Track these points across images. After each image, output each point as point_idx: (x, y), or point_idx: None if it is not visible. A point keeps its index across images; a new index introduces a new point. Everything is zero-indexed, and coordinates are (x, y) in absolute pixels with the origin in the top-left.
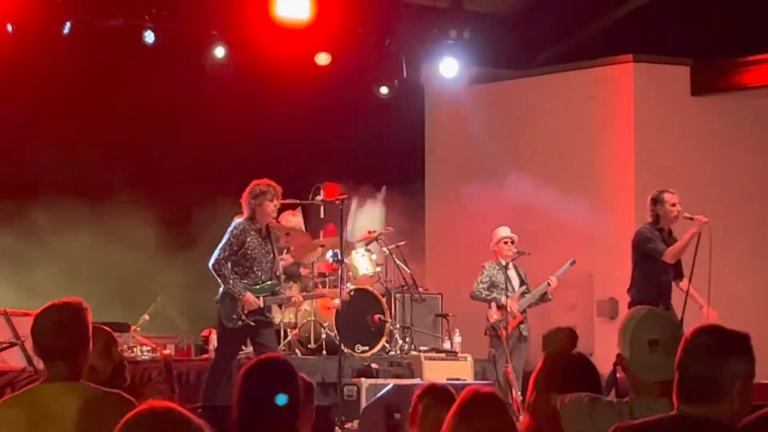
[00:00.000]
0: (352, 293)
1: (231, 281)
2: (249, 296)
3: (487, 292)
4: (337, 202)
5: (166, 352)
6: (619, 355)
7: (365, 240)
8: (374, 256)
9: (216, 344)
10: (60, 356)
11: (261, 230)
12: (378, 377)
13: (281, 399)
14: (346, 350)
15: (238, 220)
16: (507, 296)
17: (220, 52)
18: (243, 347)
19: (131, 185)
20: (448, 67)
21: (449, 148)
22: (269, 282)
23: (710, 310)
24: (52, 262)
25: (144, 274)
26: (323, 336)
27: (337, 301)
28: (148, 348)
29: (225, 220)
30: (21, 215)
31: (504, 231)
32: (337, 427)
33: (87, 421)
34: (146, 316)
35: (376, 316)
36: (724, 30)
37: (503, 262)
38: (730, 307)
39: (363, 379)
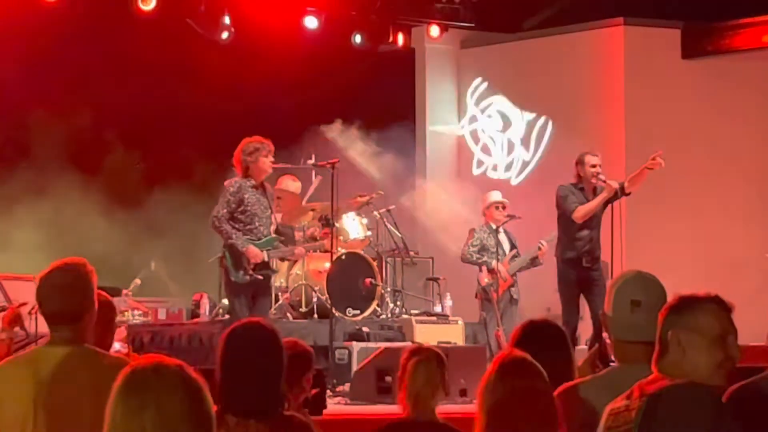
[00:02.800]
0: (343, 257)
1: (233, 236)
2: (252, 248)
3: (477, 255)
4: (328, 166)
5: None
6: (603, 314)
7: (356, 204)
8: (365, 221)
9: (228, 302)
10: (65, 319)
11: (257, 186)
12: (369, 341)
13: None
14: (337, 314)
15: (232, 180)
16: (498, 260)
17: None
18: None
19: (123, 148)
20: (436, 31)
21: (440, 112)
22: (270, 236)
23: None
24: (44, 226)
25: (136, 238)
26: (314, 300)
27: (327, 265)
28: (140, 312)
29: (217, 185)
30: (12, 178)
31: (495, 195)
32: (328, 391)
33: (93, 384)
34: (138, 281)
35: (367, 280)
36: None
37: (494, 226)
38: (723, 270)
39: (354, 343)
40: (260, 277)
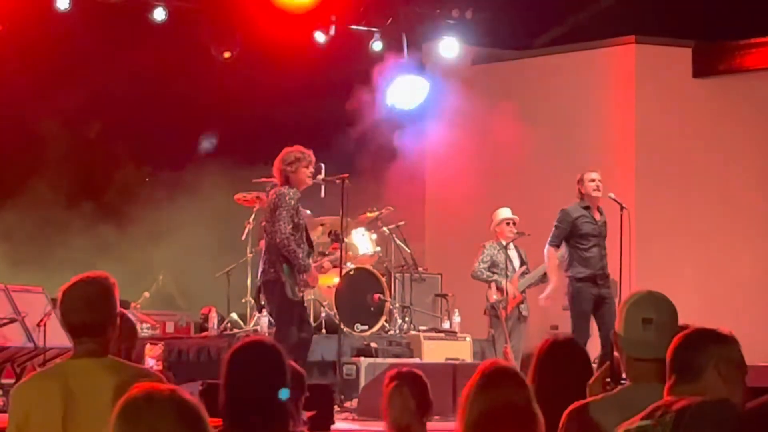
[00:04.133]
0: (352, 272)
1: (300, 257)
2: (314, 272)
3: (488, 273)
4: (338, 181)
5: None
6: (615, 332)
7: (365, 219)
8: (374, 236)
9: (278, 321)
10: (89, 332)
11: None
12: (377, 356)
13: (284, 393)
14: (345, 329)
15: (285, 189)
16: (507, 276)
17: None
18: None
19: (133, 161)
20: (450, 47)
21: (450, 127)
22: (309, 251)
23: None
24: (54, 238)
25: (145, 251)
26: (323, 315)
27: (336, 280)
28: (148, 325)
29: (226, 198)
30: (23, 189)
31: (505, 212)
32: (336, 406)
33: (120, 396)
34: (147, 294)
35: (376, 296)
36: (726, 12)
37: (503, 243)
38: (731, 290)
39: (362, 359)
40: (303, 296)
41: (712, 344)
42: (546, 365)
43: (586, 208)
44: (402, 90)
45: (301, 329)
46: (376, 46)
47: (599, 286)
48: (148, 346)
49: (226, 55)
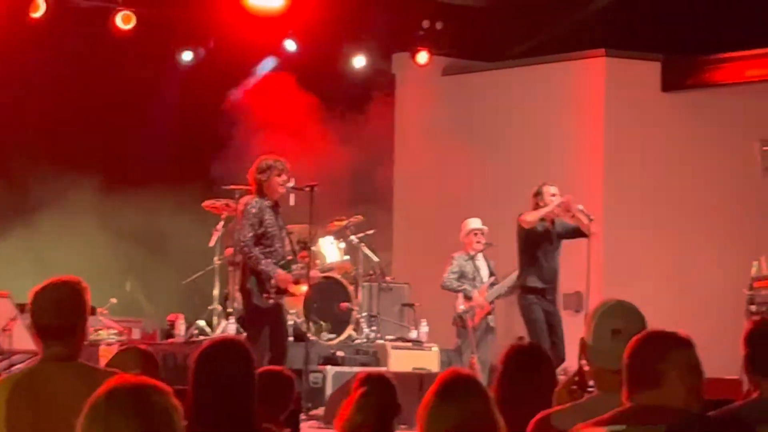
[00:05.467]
0: (320, 281)
1: (263, 261)
2: (281, 273)
3: (458, 283)
4: (307, 189)
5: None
6: (582, 341)
7: (334, 228)
8: (342, 245)
9: (246, 328)
10: (58, 335)
11: (273, 206)
12: (344, 365)
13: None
14: (312, 337)
15: (250, 199)
16: (475, 287)
17: (187, 55)
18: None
19: (102, 169)
20: (420, 58)
21: (419, 138)
22: (288, 258)
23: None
24: (24, 244)
25: (113, 258)
26: (290, 323)
27: (304, 288)
28: (115, 331)
29: (195, 207)
30: None
31: (474, 222)
32: (302, 414)
33: (89, 399)
34: (114, 300)
35: (343, 305)
36: (695, 27)
37: (472, 253)
38: (699, 302)
39: (329, 367)
40: (281, 302)
41: (672, 349)
42: (511, 372)
43: (542, 220)
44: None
45: (278, 339)
46: (353, 58)
47: (547, 300)
48: (102, 347)
49: (188, 57)
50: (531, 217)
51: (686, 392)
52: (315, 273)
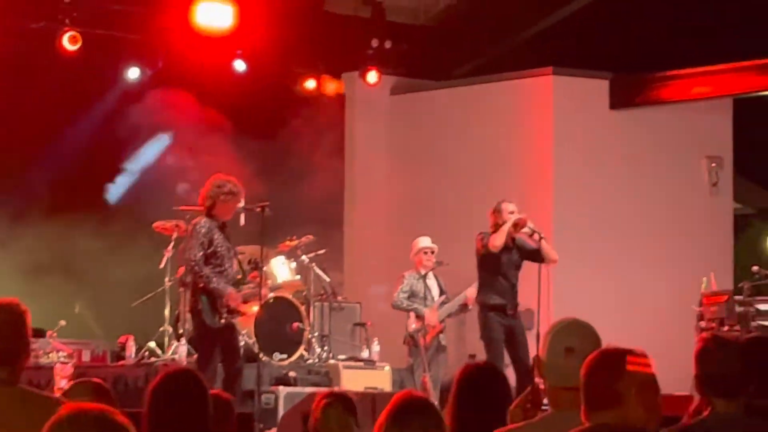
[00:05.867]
0: (271, 301)
1: (214, 280)
2: (233, 291)
3: (408, 302)
4: (258, 209)
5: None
6: (536, 358)
7: (285, 248)
8: (293, 265)
9: (197, 349)
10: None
11: (221, 226)
12: (296, 385)
13: None
14: (264, 358)
15: (199, 219)
16: (426, 306)
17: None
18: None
19: (49, 188)
20: (369, 77)
21: (369, 157)
22: (237, 278)
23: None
24: None
25: (62, 280)
26: (242, 343)
27: (255, 309)
28: (65, 354)
29: (145, 226)
30: None
31: (424, 241)
32: None
33: (30, 425)
34: (63, 322)
35: (295, 325)
36: (642, 45)
37: (423, 272)
38: (648, 318)
39: (281, 387)
40: (232, 321)
41: (623, 367)
42: (466, 391)
43: None
44: None
45: (230, 359)
46: (302, 78)
47: (508, 316)
48: (57, 365)
49: (134, 74)
50: (499, 241)
51: (644, 410)
52: (266, 292)
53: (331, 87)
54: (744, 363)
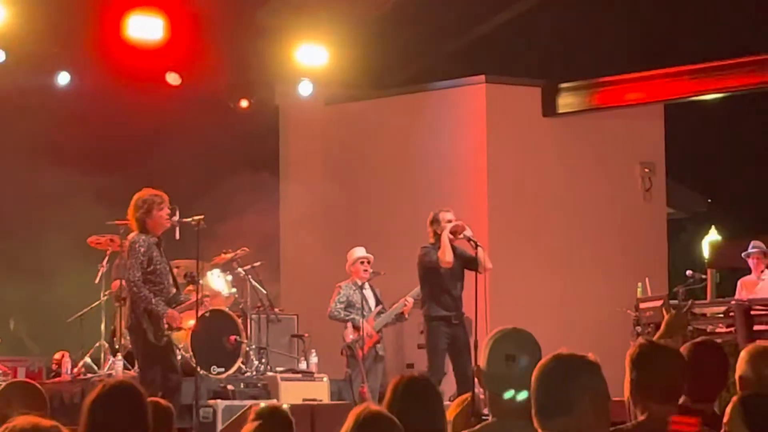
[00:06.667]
0: (207, 314)
1: (153, 301)
2: (172, 312)
3: (345, 313)
4: (193, 222)
5: None
6: (477, 368)
7: (220, 261)
8: (229, 277)
9: (141, 367)
10: None
11: (157, 242)
12: (234, 399)
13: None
14: (201, 372)
15: (136, 236)
16: (363, 316)
17: (65, 76)
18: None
19: None
20: (303, 88)
21: (304, 168)
22: (175, 292)
23: None
24: None
25: None
26: (178, 357)
27: (191, 322)
28: (0, 371)
29: (77, 243)
30: None
31: (359, 251)
32: None
33: None
34: None
35: (232, 337)
36: (574, 52)
37: (359, 282)
38: (587, 324)
39: (219, 401)
40: (170, 337)
41: (584, 375)
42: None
43: (439, 249)
44: None
45: (169, 375)
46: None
47: (454, 325)
48: None
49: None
50: (449, 256)
51: (595, 417)
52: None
53: (265, 99)
54: (679, 367)
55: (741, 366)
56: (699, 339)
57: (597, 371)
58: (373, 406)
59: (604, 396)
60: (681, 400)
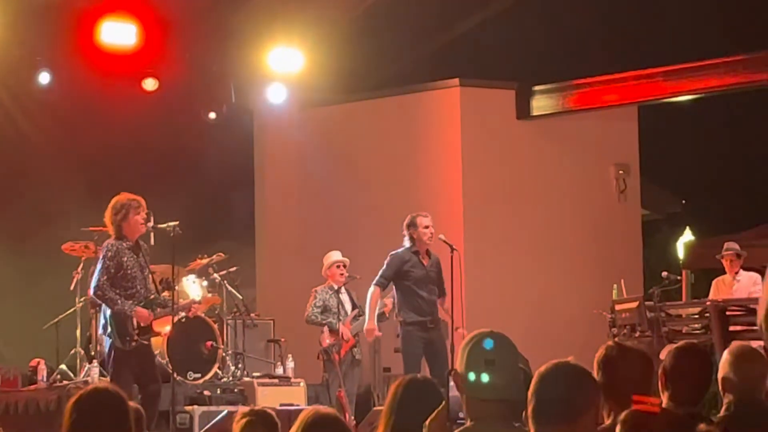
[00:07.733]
0: (183, 320)
1: (119, 302)
2: (140, 310)
3: (322, 317)
4: (168, 227)
5: None
6: (454, 372)
7: (196, 266)
8: (205, 283)
9: (112, 373)
10: None
11: (133, 246)
12: (211, 404)
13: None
14: (178, 378)
15: (107, 242)
16: (340, 320)
17: (44, 78)
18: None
19: None
20: (277, 93)
21: (279, 173)
22: (152, 296)
23: (463, 331)
24: None
25: None
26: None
27: (168, 328)
28: None
29: (53, 250)
30: None
31: (335, 255)
32: None
33: None
34: None
35: (208, 343)
36: (549, 54)
37: (335, 287)
38: (560, 328)
39: (196, 407)
40: (146, 342)
41: (592, 386)
42: (403, 405)
43: (416, 252)
44: None
45: (145, 381)
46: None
47: (429, 330)
48: None
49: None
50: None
51: (594, 427)
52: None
53: (239, 104)
54: (644, 370)
55: (723, 367)
56: (682, 343)
57: (595, 381)
58: (323, 408)
59: (600, 409)
60: (664, 404)
